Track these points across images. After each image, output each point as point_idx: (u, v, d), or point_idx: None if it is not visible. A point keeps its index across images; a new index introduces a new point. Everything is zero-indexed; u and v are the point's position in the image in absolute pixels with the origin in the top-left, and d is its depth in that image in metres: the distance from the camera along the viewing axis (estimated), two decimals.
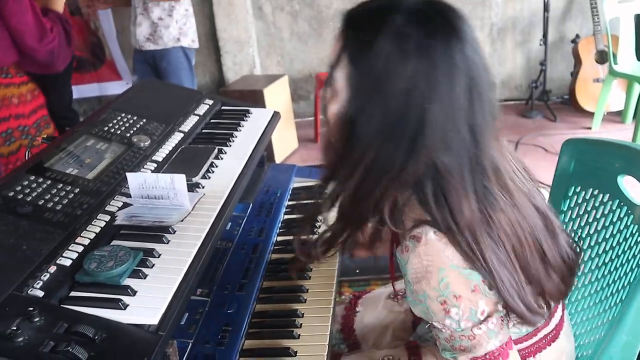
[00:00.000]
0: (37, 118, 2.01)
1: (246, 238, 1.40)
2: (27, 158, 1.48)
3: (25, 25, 1.69)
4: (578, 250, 1.05)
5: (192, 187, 1.22)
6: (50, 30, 1.75)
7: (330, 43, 4.27)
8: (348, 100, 0.87)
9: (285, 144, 3.95)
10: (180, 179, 1.10)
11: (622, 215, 1.18)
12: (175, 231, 1.07)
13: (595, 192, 1.26)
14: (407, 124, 0.82)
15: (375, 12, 0.87)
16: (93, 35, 4.48)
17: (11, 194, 1.08)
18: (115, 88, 4.82)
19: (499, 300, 0.87)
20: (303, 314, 1.17)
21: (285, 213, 1.56)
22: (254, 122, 1.61)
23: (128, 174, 1.13)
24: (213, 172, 1.32)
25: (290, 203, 1.60)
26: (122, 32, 4.55)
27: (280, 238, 1.45)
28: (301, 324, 1.14)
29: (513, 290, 0.86)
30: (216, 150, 1.37)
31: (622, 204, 1.18)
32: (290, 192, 1.65)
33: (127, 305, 0.88)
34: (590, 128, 3.87)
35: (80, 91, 4.70)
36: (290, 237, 1.45)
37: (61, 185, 1.15)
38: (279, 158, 3.83)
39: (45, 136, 1.47)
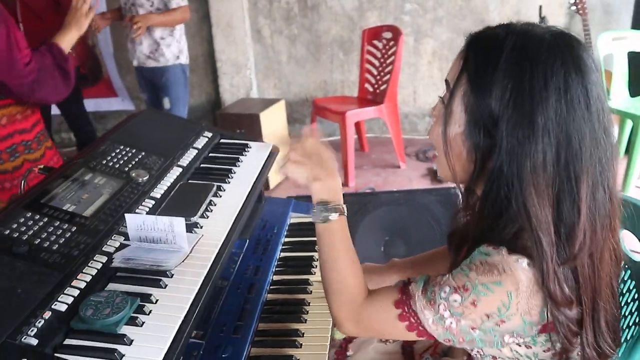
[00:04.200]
0: (37, 132, 2.01)
1: (242, 277, 1.38)
2: (22, 189, 1.47)
3: None
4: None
5: (190, 227, 1.21)
6: (25, 64, 1.76)
7: (327, 68, 4.32)
8: (469, 128, 0.87)
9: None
10: (179, 222, 1.09)
11: None
12: (173, 275, 1.06)
13: None
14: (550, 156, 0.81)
15: (499, 38, 0.85)
16: (90, 51, 4.49)
17: (7, 232, 1.06)
18: (111, 104, 4.83)
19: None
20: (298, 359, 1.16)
21: (282, 250, 1.55)
22: (253, 157, 1.61)
23: (127, 215, 1.12)
24: (211, 210, 1.31)
25: (287, 240, 1.60)
26: (119, 50, 4.57)
27: (276, 277, 1.44)
28: None
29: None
30: (215, 188, 1.37)
31: None
32: (287, 228, 1.64)
33: (123, 355, 0.87)
34: None
35: None
36: (287, 277, 1.45)
37: (58, 222, 1.13)
38: (273, 182, 3.83)
39: (42, 167, 1.45)
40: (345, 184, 3.82)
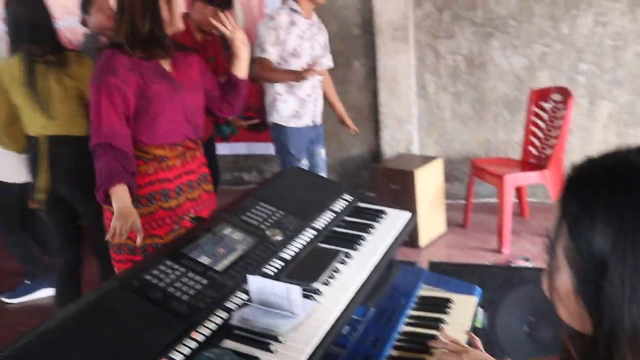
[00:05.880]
0: (201, 173, 2.08)
1: (359, 347, 1.37)
2: (176, 233, 1.63)
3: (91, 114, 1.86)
4: None
5: (310, 292, 1.24)
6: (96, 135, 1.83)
7: (491, 127, 4.14)
8: (578, 286, 0.72)
9: (433, 227, 3.87)
10: (295, 291, 1.13)
11: None
12: (285, 341, 1.09)
13: None
14: None
15: (596, 177, 0.73)
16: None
17: (148, 277, 1.19)
18: (261, 148, 5.14)
19: None
20: None
21: (406, 324, 1.51)
22: (387, 226, 1.61)
23: (248, 277, 1.18)
24: (334, 277, 1.33)
25: (413, 313, 1.55)
26: None
27: (394, 353, 1.40)
28: None
29: None
30: (340, 255, 1.39)
31: None
32: (415, 300, 1.60)
33: None
34: None
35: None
36: (405, 354, 1.40)
37: (192, 274, 1.23)
38: (424, 241, 3.76)
39: (193, 216, 1.60)
40: (498, 250, 3.63)
